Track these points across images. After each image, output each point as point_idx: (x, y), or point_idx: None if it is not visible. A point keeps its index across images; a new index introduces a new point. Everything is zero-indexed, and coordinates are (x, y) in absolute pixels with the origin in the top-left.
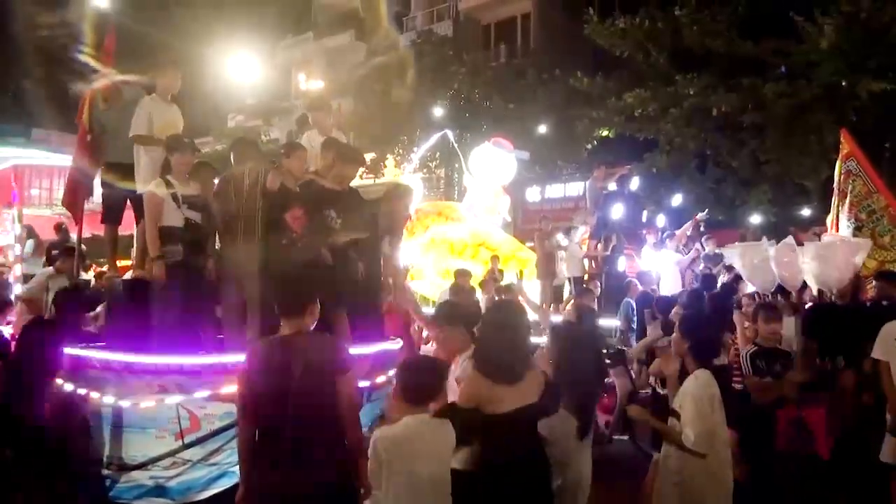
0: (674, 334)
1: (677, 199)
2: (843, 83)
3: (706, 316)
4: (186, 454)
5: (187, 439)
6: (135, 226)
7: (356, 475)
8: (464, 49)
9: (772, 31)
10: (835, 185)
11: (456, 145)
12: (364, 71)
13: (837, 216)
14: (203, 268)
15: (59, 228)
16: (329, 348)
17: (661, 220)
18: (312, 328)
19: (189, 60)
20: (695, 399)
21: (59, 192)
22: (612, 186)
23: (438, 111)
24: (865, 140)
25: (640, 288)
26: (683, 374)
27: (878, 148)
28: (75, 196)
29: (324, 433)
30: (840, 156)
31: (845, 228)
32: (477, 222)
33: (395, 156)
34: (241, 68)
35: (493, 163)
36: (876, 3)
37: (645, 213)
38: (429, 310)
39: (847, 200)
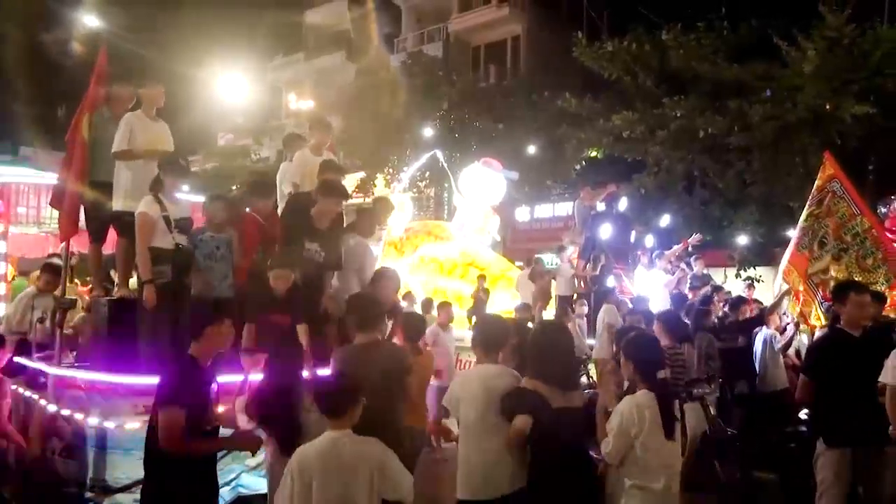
0: (620, 359)
1: (665, 220)
2: (827, 106)
3: (647, 337)
4: None
5: None
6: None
7: None
8: (454, 70)
9: (757, 54)
10: (807, 203)
11: (445, 165)
12: (354, 91)
13: (804, 233)
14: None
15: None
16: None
17: (649, 240)
18: None
19: (180, 79)
20: (622, 416)
21: (46, 211)
22: (601, 206)
23: (428, 131)
24: (849, 161)
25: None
26: None
27: (862, 169)
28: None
29: None
30: (820, 177)
31: (806, 242)
32: (466, 242)
33: (384, 175)
34: (231, 87)
35: (483, 183)
36: (856, 28)
37: (633, 234)
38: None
39: (833, 220)
